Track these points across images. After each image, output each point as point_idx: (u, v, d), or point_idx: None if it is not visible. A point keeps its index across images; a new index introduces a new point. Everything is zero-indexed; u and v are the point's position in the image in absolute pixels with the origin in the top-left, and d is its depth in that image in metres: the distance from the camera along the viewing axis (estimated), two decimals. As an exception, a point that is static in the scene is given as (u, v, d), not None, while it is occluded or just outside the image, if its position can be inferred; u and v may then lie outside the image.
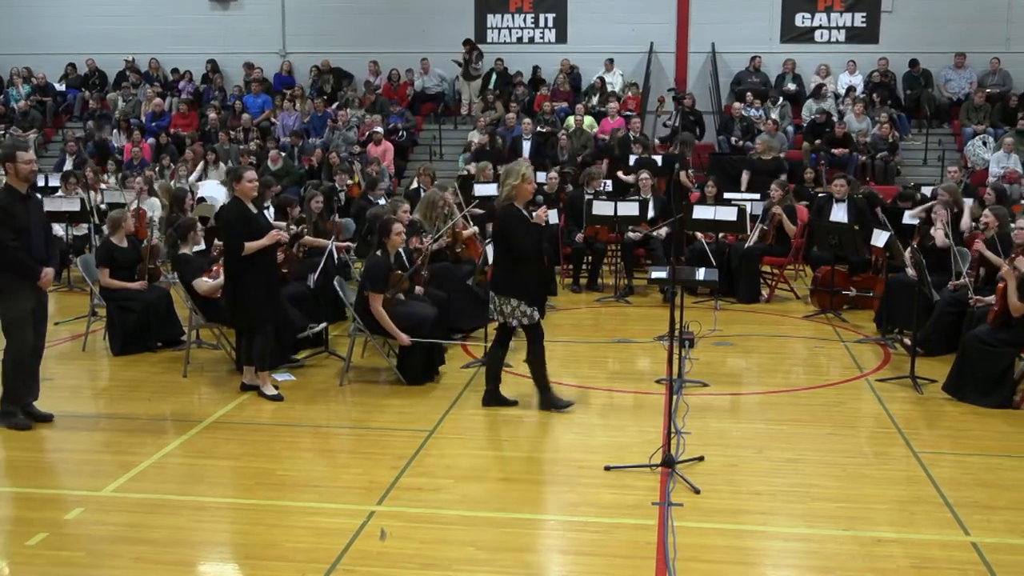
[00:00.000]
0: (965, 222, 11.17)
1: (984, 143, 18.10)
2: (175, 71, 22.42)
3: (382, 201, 12.78)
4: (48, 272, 7.51)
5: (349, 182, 15.81)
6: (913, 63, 19.89)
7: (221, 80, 22.17)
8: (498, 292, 7.74)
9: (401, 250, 9.28)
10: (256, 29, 22.28)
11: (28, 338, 7.52)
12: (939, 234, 10.36)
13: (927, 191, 13.69)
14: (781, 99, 19.53)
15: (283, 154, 18.00)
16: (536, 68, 21.03)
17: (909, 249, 10.02)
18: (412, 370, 8.73)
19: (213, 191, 15.27)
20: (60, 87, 22.76)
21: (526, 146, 17.55)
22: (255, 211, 8.28)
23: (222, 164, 17.61)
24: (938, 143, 18.98)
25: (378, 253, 8.81)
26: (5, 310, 7.42)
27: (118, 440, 7.36)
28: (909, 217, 12.38)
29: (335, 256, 10.06)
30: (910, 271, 9.88)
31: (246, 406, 8.18)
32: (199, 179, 17.15)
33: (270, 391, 8.38)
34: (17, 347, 7.50)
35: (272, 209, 11.36)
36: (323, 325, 9.80)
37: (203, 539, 5.73)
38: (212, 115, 20.25)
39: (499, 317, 7.83)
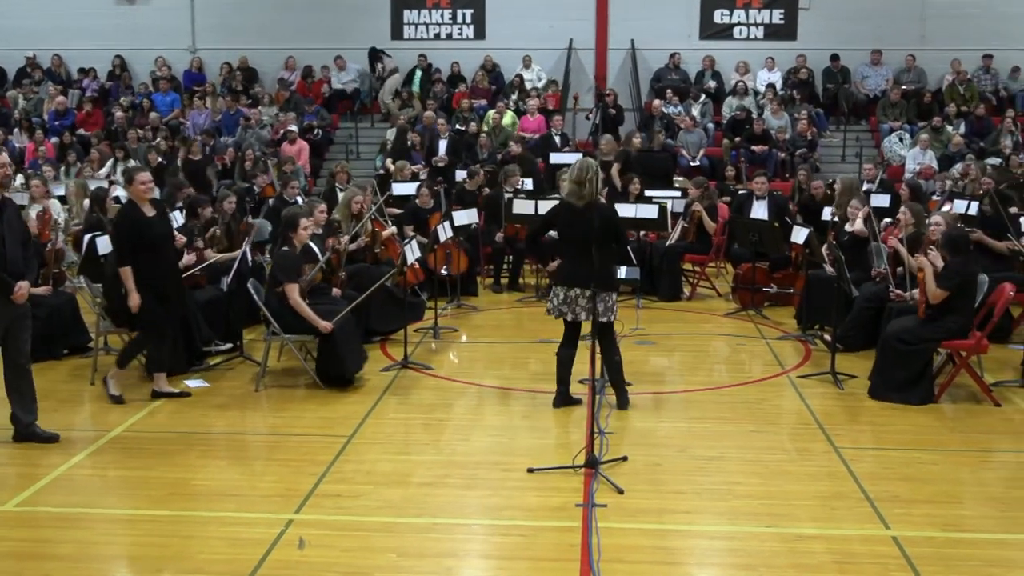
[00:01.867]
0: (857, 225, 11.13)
1: (900, 139, 18.58)
2: (81, 69, 21.95)
3: (299, 200, 12.63)
4: (22, 287, 7.14)
5: (267, 181, 15.61)
6: (834, 58, 20.33)
7: (129, 77, 21.76)
8: (604, 289, 7.79)
9: (311, 244, 9.23)
10: (164, 24, 21.86)
11: None
12: (858, 224, 10.59)
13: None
14: (703, 96, 19.81)
15: (193, 154, 17.70)
16: (455, 65, 21.01)
17: (826, 245, 10.20)
18: (330, 374, 8.68)
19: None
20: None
21: (442, 145, 17.49)
22: (150, 214, 8.12)
23: (132, 161, 17.27)
24: (856, 140, 19.43)
25: (284, 248, 8.78)
26: None
27: (23, 452, 7.17)
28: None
29: (249, 258, 9.94)
30: (829, 268, 10.07)
31: (157, 413, 8.05)
32: (108, 176, 16.81)
33: (167, 388, 8.35)
34: None
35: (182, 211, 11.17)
36: (228, 346, 9.75)
37: (115, 553, 5.63)
38: (119, 113, 19.87)
39: (583, 315, 7.85)
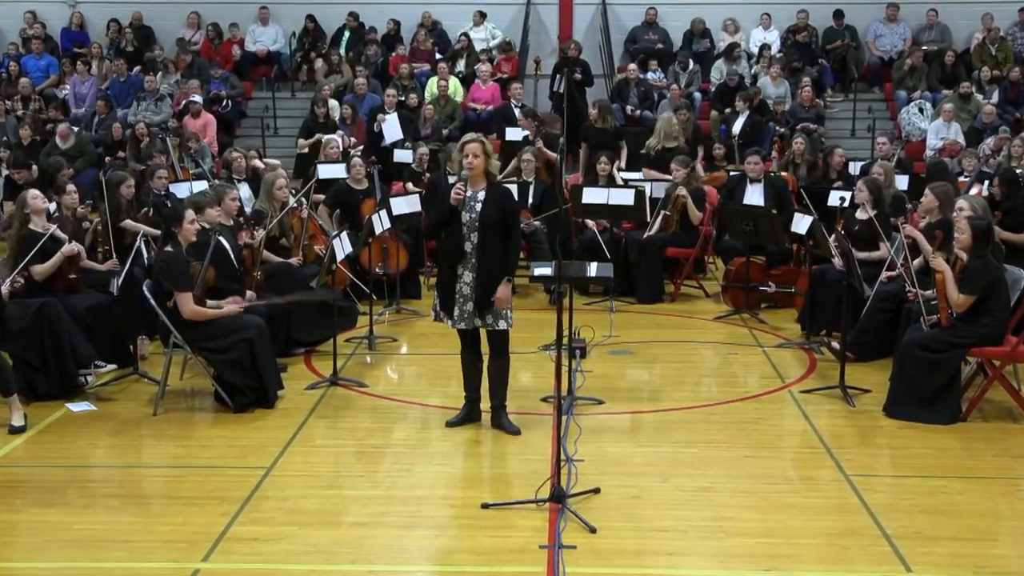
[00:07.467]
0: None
1: (920, 110, 18.65)
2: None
3: (171, 191, 12.26)
4: None
5: (167, 162, 15.48)
6: (837, 15, 20.43)
7: (-8, 37, 21.59)
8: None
9: (223, 240, 9.16)
10: (37, -28, 21.72)
11: None
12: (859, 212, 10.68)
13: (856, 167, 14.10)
14: (692, 63, 19.78)
15: (75, 129, 17.56)
16: (392, 23, 20.94)
17: (834, 236, 10.26)
18: (240, 393, 8.62)
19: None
20: None
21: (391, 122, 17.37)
22: None
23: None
24: (868, 110, 19.55)
25: (168, 248, 8.70)
26: None
27: None
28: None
29: (144, 255, 9.85)
30: (837, 262, 10.13)
31: (31, 444, 7.98)
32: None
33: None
34: None
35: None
36: (111, 367, 9.63)
37: (-19, 612, 5.58)
38: (-19, 81, 19.72)
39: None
